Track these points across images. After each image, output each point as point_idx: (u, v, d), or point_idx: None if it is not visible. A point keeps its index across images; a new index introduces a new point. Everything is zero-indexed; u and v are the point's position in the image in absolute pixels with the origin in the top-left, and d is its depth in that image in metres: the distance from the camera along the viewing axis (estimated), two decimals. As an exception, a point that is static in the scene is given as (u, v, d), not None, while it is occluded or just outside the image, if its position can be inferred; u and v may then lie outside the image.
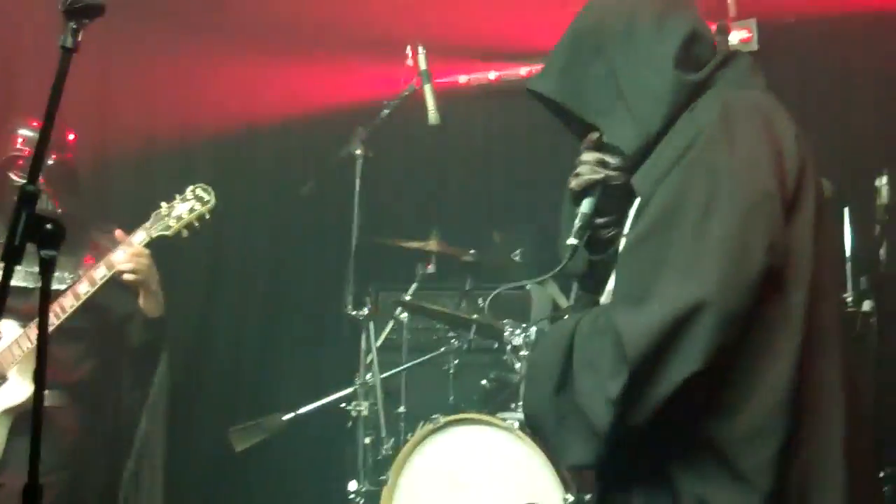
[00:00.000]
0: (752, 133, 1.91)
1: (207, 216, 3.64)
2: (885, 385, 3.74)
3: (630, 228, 2.06)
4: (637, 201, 2.05)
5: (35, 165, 1.96)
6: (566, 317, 2.23)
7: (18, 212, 1.87)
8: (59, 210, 3.63)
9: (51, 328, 3.43)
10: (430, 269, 4.86)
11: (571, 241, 2.11)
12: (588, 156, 2.14)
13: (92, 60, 4.73)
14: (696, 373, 1.76)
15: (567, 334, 2.01)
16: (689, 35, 2.07)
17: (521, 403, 3.87)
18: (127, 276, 3.54)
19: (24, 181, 1.92)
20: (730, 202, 1.83)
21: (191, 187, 3.61)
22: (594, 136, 2.15)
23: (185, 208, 3.57)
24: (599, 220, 2.15)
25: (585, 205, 2.13)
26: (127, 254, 3.53)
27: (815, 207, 1.91)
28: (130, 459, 3.81)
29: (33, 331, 3.51)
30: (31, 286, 3.47)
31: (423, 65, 4.31)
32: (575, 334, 2.00)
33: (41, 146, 1.95)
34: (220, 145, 5.58)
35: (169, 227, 3.55)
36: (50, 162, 3.62)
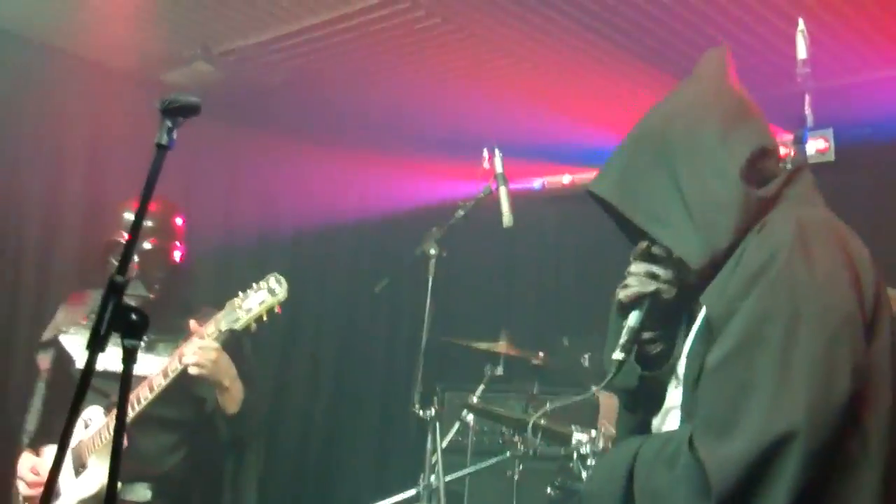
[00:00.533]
0: (830, 253, 1.83)
1: (277, 309, 3.46)
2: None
3: (692, 348, 1.95)
4: (700, 319, 1.96)
5: (124, 258, 2.00)
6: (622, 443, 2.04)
7: (105, 301, 1.93)
8: (151, 296, 3.60)
9: (128, 417, 3.40)
10: (499, 370, 4.85)
11: (617, 355, 2.03)
12: (638, 267, 2.07)
13: (181, 157, 4.86)
14: None
15: (625, 463, 1.90)
16: (758, 150, 1.98)
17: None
18: (191, 370, 3.41)
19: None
20: (814, 325, 1.73)
21: (267, 276, 3.47)
22: (643, 245, 2.07)
23: (256, 300, 3.42)
24: (646, 335, 2.08)
25: (633, 318, 2.05)
26: (193, 347, 3.42)
27: (891, 330, 1.83)
28: None
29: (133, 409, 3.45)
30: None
31: (499, 168, 4.36)
32: (636, 463, 1.87)
33: (130, 241, 2.01)
34: (299, 241, 5.68)
35: (237, 320, 3.42)
36: (148, 247, 3.62)
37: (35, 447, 3.65)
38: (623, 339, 2.04)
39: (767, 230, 1.88)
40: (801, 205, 1.96)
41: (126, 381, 1.98)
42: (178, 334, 3.52)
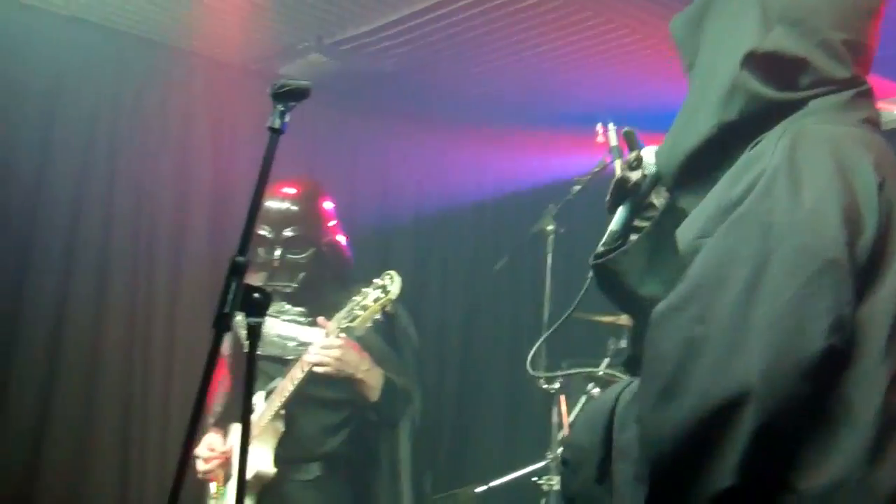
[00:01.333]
0: (823, 181, 1.48)
1: (388, 308, 3.50)
2: None
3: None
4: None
5: (243, 240, 2.09)
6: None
7: (228, 281, 2.01)
8: (288, 289, 3.65)
9: (283, 399, 3.52)
10: (622, 343, 4.83)
11: (599, 249, 1.87)
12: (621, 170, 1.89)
13: (302, 146, 4.99)
14: (730, 489, 1.38)
15: (606, 412, 1.70)
16: (819, 42, 1.59)
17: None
18: (317, 370, 3.48)
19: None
20: (785, 270, 1.42)
21: (384, 274, 3.45)
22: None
23: (372, 297, 3.42)
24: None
25: (618, 215, 1.88)
26: (316, 348, 3.49)
27: None
28: None
29: (275, 402, 3.55)
30: (287, 356, 3.60)
31: (613, 141, 4.33)
32: (615, 412, 1.68)
33: (250, 222, 2.08)
34: (419, 223, 5.75)
35: (355, 319, 3.44)
36: (289, 234, 3.64)
37: (220, 426, 3.77)
38: (604, 237, 1.88)
39: (759, 148, 1.57)
40: (825, 119, 1.59)
41: (251, 359, 2.06)
42: (337, 310, 3.55)
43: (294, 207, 3.70)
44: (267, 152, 2.07)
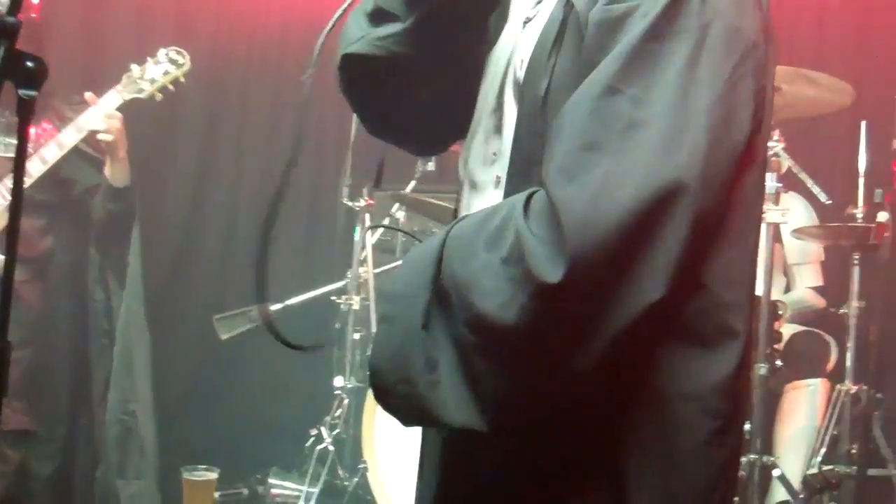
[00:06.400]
0: None
1: (182, 79, 3.50)
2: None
3: (536, 53, 1.44)
4: (554, 13, 1.44)
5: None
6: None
7: (-6, 44, 1.73)
8: None
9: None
10: (431, 166, 4.71)
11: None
12: None
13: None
14: (659, 303, 1.26)
15: (434, 250, 1.39)
16: None
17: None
18: (101, 137, 3.40)
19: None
20: (721, 49, 1.31)
21: (163, 50, 3.45)
22: None
23: (158, 71, 3.42)
24: None
25: None
26: (99, 115, 3.39)
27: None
28: (114, 340, 3.70)
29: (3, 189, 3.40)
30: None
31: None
32: (445, 248, 1.38)
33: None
34: (222, 27, 5.37)
35: (142, 90, 3.41)
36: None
37: None
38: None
39: None
40: None
41: (22, 137, 1.81)
42: (38, 116, 3.37)
43: None
44: None
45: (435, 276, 1.37)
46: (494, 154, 1.52)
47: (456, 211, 1.63)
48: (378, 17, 1.60)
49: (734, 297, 1.38)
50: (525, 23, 1.52)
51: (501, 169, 1.48)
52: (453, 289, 1.34)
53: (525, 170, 1.41)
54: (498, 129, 1.51)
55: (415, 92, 1.66)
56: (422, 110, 1.70)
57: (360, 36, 1.60)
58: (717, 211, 1.32)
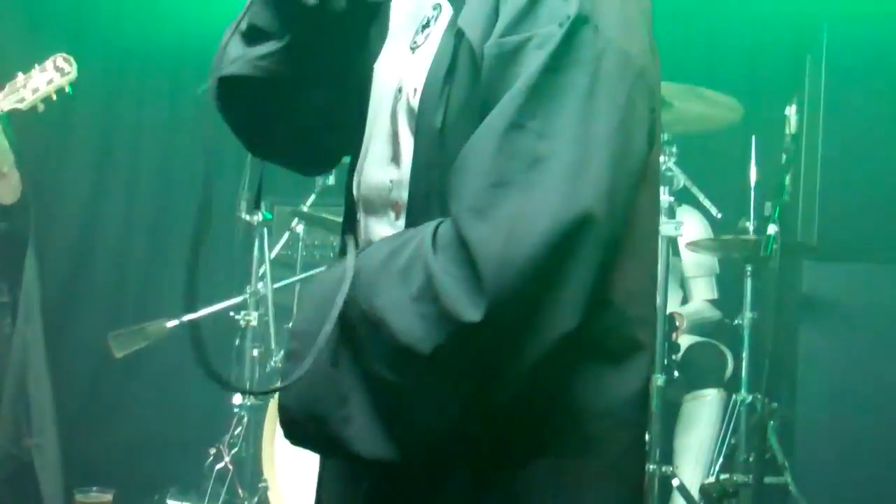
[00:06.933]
0: None
1: (68, 89, 3.31)
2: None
3: (431, 82, 1.42)
4: (447, 41, 1.43)
5: None
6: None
7: None
8: None
9: None
10: (331, 180, 4.68)
11: None
12: None
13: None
14: (574, 331, 1.29)
15: (338, 285, 1.37)
16: None
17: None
18: None
19: None
20: (615, 75, 1.32)
21: (51, 57, 3.27)
22: None
23: (43, 79, 3.22)
24: None
25: None
26: None
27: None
28: (11, 366, 3.51)
29: None
30: None
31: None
32: (354, 283, 1.36)
33: None
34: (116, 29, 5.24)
35: (23, 100, 3.21)
36: None
37: None
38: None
39: None
40: None
41: None
42: None
43: None
44: None
45: (343, 311, 1.35)
46: (391, 181, 1.49)
47: (351, 229, 1.60)
48: (253, 36, 1.55)
49: (638, 311, 1.41)
50: (413, 48, 1.51)
51: (401, 197, 1.47)
52: (362, 325, 1.34)
53: (425, 201, 1.41)
54: (395, 157, 1.49)
55: (296, 111, 1.62)
56: (305, 129, 1.65)
57: (235, 56, 1.55)
58: (622, 230, 1.35)
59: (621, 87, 1.32)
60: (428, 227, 1.34)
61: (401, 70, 1.51)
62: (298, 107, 1.61)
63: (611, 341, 1.39)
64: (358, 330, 1.34)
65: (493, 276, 1.23)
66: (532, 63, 1.29)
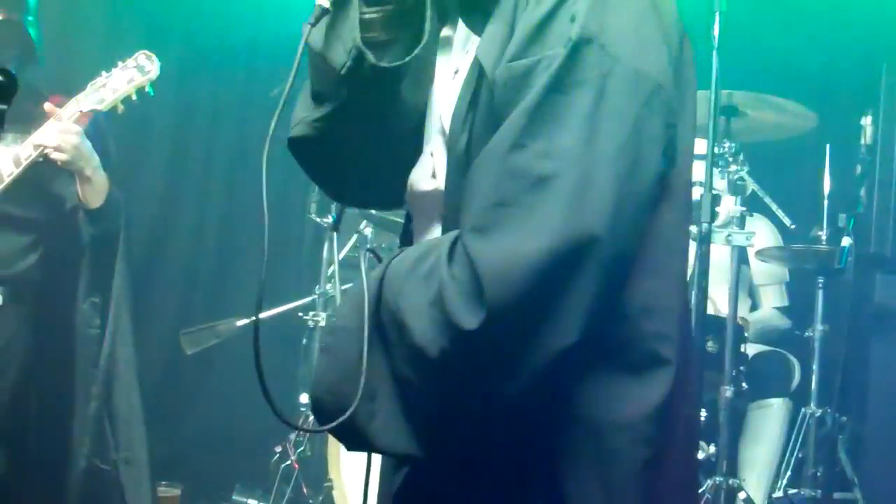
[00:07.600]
0: (637, 3, 1.42)
1: (148, 89, 3.18)
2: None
3: (458, 107, 1.49)
4: (469, 68, 1.50)
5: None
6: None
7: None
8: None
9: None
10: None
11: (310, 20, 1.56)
12: None
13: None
14: (574, 345, 1.33)
15: (373, 285, 1.47)
16: None
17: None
18: (54, 156, 3.10)
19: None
20: (624, 94, 1.35)
21: (136, 54, 3.16)
22: None
23: (123, 79, 3.12)
24: (369, 13, 1.55)
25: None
26: (52, 130, 3.09)
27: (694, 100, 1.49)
28: (99, 370, 3.46)
29: None
30: None
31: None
32: (384, 284, 1.45)
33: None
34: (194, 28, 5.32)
35: (102, 101, 3.11)
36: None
37: None
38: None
39: None
40: None
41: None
42: (29, 123, 3.16)
43: None
44: None
45: (375, 310, 1.44)
46: (434, 193, 1.57)
47: (409, 231, 1.69)
48: (315, 98, 1.64)
49: (658, 326, 1.42)
50: (455, 72, 1.58)
51: (439, 207, 1.54)
52: (391, 324, 1.42)
53: (455, 214, 1.46)
54: (434, 173, 1.58)
55: (362, 160, 1.70)
56: (376, 173, 1.73)
57: (299, 118, 1.66)
58: (632, 248, 1.38)
59: (630, 105, 1.35)
60: (448, 238, 1.41)
61: (441, 95, 1.59)
62: (363, 156, 1.69)
63: (629, 354, 1.41)
64: (387, 330, 1.43)
65: (493, 289, 1.30)
66: (537, 84, 1.34)
